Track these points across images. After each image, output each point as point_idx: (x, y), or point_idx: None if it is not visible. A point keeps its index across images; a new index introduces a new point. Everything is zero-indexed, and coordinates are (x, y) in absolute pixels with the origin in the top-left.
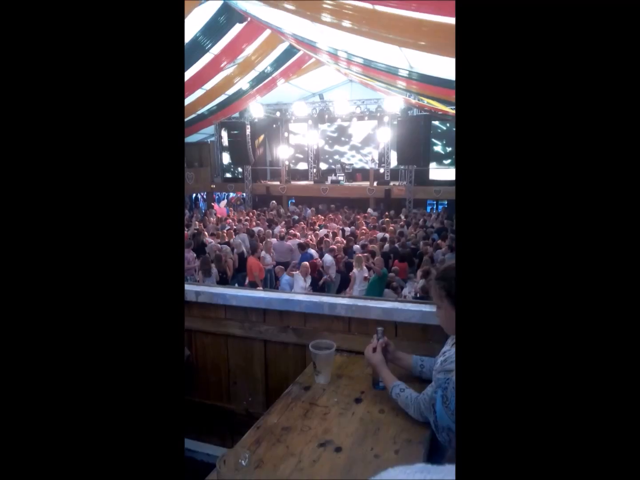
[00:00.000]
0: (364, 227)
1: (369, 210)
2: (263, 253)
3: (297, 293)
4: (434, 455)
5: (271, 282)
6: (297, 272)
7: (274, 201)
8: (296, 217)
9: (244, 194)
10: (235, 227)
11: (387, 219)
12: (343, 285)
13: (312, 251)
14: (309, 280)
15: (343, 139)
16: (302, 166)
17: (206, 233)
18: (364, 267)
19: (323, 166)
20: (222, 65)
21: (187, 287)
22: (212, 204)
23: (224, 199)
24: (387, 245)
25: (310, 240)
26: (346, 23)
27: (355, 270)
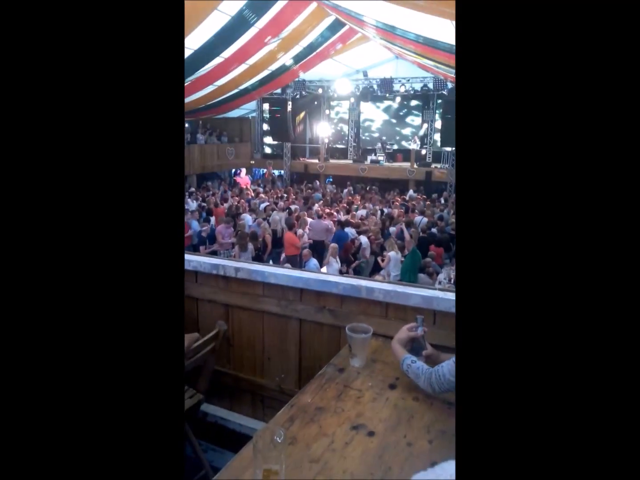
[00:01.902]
0: (400, 210)
1: (410, 192)
2: (301, 230)
3: (335, 275)
4: None
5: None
6: (330, 256)
7: (317, 182)
8: (319, 195)
9: (281, 171)
10: (273, 204)
11: (428, 202)
12: (376, 268)
13: (351, 230)
14: (338, 262)
15: (385, 117)
16: (342, 144)
17: (246, 207)
18: (398, 251)
19: (363, 145)
20: (266, 40)
21: (227, 262)
22: (234, 177)
23: (239, 171)
24: (417, 229)
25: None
26: None
27: (391, 253)
